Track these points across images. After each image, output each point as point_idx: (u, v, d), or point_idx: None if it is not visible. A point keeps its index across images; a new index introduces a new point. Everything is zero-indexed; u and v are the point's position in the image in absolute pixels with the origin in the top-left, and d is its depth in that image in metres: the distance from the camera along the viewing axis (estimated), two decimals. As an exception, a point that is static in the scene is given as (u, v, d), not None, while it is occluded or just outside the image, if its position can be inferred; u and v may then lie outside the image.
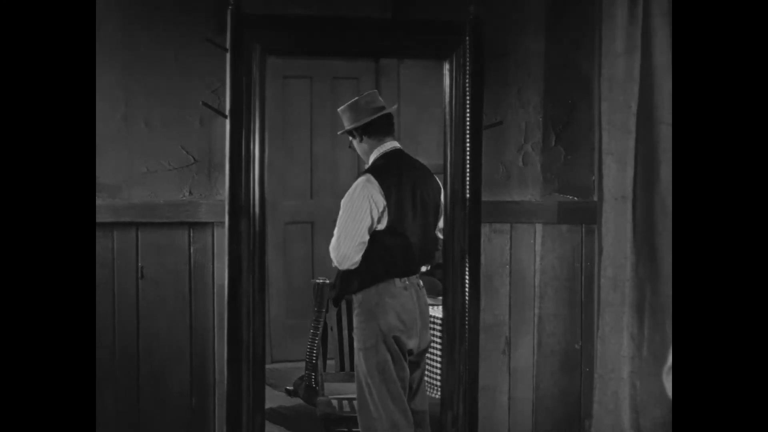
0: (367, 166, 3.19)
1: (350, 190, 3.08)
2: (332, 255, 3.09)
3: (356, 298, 3.12)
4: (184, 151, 3.25)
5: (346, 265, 3.05)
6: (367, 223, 3.04)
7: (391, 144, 3.19)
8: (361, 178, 3.09)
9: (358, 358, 3.10)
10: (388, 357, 3.05)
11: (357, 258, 3.04)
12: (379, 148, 3.17)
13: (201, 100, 2.99)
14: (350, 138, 3.24)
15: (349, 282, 3.13)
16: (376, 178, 3.07)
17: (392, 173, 3.11)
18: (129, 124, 3.21)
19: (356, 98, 3.21)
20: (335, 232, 3.08)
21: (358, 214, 3.04)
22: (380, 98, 3.25)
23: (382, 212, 3.05)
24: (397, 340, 3.06)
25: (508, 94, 3.37)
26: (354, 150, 3.27)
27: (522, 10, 3.36)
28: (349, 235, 3.03)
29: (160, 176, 3.24)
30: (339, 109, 3.23)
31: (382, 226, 3.06)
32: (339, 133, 3.29)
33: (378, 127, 3.17)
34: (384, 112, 3.18)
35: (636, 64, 3.19)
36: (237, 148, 2.80)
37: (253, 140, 2.82)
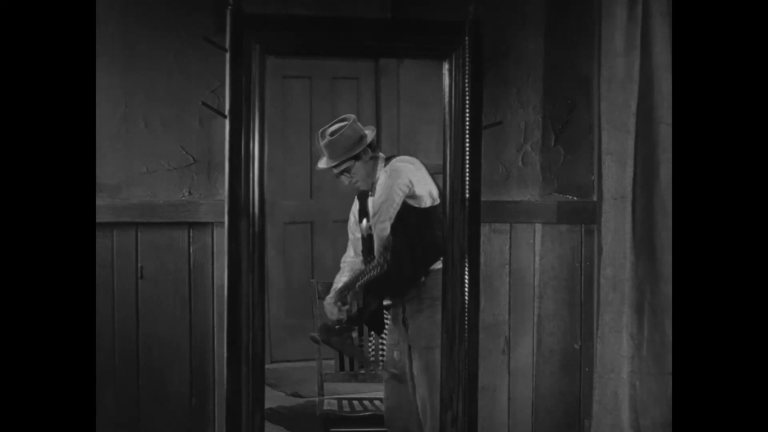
0: (367, 184, 3.21)
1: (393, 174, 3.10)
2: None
3: (422, 290, 3.08)
4: (184, 151, 3.25)
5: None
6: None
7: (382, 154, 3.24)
8: (399, 163, 3.13)
9: (431, 358, 3.03)
10: None
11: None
12: (381, 160, 3.21)
13: (200, 100, 2.99)
14: (346, 167, 3.19)
15: (405, 268, 3.08)
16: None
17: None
18: (129, 124, 3.21)
19: (344, 124, 3.18)
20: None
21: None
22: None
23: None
24: None
25: (508, 94, 3.37)
26: (347, 182, 3.24)
27: (522, 10, 3.36)
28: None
29: (159, 176, 3.24)
30: (329, 140, 3.16)
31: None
32: (336, 164, 3.19)
33: (376, 142, 3.22)
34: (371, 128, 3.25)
35: (635, 63, 3.19)
36: (236, 148, 2.79)
37: (252, 140, 2.81)
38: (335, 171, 3.21)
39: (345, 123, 3.19)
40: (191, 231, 3.24)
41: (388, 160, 3.21)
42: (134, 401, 3.23)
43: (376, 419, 3.39)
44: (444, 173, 2.97)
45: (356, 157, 3.18)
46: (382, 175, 3.14)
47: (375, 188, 3.17)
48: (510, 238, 3.39)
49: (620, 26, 3.17)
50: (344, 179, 3.23)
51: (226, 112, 2.79)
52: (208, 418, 3.26)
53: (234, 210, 2.80)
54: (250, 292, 2.84)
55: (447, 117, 2.93)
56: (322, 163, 3.23)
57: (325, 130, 3.20)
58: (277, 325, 4.86)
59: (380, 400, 3.47)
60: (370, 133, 3.21)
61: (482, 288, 3.03)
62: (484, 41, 2.90)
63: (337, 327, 3.19)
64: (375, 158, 3.20)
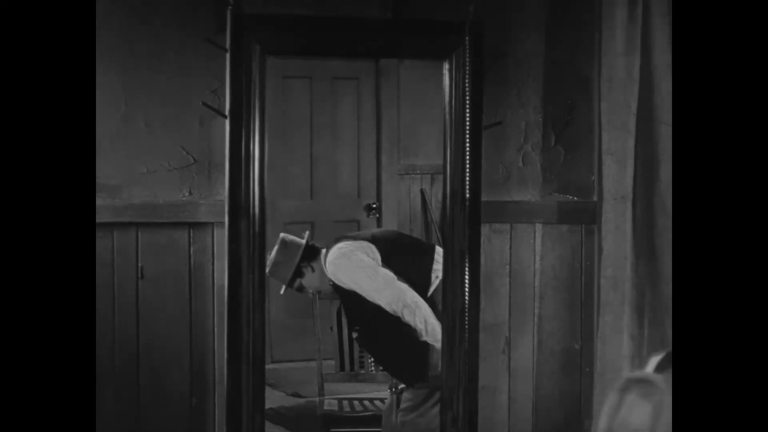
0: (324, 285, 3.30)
1: (345, 260, 3.17)
2: (422, 319, 3.12)
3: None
4: (184, 152, 3.25)
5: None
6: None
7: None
8: (346, 245, 3.21)
9: None
10: None
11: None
12: (318, 257, 3.27)
13: (201, 100, 2.99)
14: (297, 286, 3.29)
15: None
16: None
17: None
18: (129, 124, 3.21)
19: (276, 249, 3.25)
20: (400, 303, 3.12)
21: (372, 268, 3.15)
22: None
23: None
24: None
25: (508, 94, 3.36)
26: (303, 290, 3.36)
27: (522, 10, 3.36)
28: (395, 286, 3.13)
29: (160, 176, 3.24)
30: (270, 270, 3.20)
31: None
32: (289, 286, 3.30)
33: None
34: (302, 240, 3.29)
35: (636, 64, 3.18)
36: (237, 148, 2.80)
37: (252, 140, 2.82)
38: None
39: (275, 248, 3.23)
40: (191, 231, 3.24)
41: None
42: (134, 401, 3.23)
43: (376, 419, 3.39)
44: (444, 173, 2.97)
45: (301, 275, 3.26)
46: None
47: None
48: (510, 238, 3.39)
49: (620, 26, 3.17)
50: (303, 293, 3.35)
51: (226, 112, 2.80)
52: (208, 418, 3.26)
53: (234, 210, 2.80)
54: (250, 292, 2.84)
55: (447, 117, 2.93)
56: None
57: None
58: (277, 325, 4.85)
59: (381, 400, 3.47)
60: (300, 244, 3.25)
61: (482, 288, 3.04)
62: (484, 41, 2.90)
63: None
64: (318, 261, 3.25)
